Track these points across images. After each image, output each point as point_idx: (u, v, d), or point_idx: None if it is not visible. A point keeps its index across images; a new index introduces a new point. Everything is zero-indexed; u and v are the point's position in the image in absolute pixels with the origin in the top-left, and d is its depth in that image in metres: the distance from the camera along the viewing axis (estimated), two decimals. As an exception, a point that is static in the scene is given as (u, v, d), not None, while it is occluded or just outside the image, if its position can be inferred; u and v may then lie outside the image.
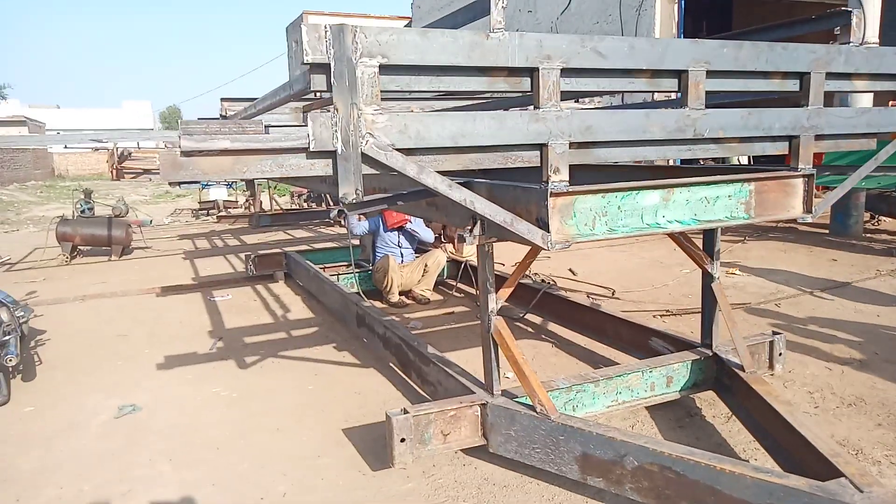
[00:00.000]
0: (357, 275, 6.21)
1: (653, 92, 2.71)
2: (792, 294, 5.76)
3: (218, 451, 3.28)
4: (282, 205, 15.50)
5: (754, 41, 2.66)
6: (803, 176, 2.80)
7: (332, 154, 2.06)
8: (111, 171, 11.28)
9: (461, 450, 3.07)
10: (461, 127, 2.18)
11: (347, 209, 2.40)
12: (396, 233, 5.97)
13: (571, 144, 2.34)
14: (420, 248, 6.38)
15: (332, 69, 1.97)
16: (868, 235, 8.30)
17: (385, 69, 2.06)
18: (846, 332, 4.64)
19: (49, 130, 41.89)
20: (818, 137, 2.83)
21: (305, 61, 1.96)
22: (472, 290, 6.20)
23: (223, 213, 15.68)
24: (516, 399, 2.96)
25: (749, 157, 9.65)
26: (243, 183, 15.08)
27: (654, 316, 5.24)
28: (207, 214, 17.25)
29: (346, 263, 6.82)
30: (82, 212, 9.85)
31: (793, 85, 2.78)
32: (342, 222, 12.47)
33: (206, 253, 10.02)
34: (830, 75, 2.77)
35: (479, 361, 3.92)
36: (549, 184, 2.31)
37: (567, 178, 2.34)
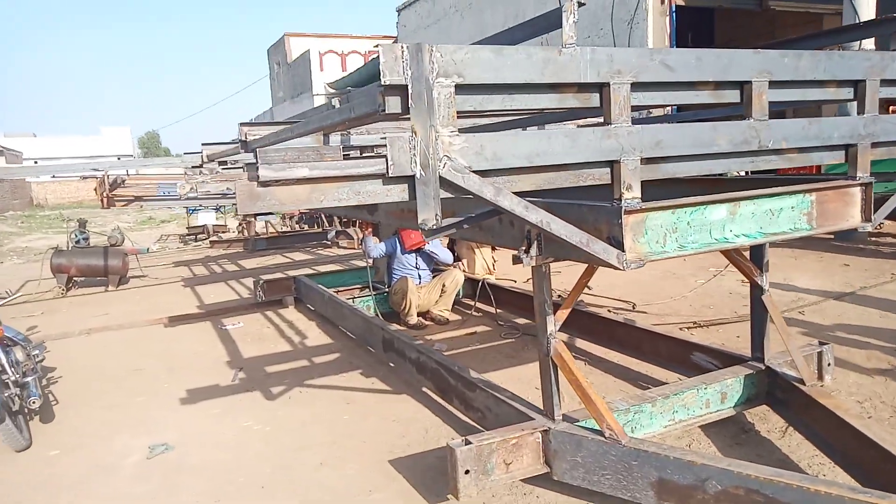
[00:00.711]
0: (374, 297, 6.09)
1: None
2: (813, 301, 5.74)
3: (263, 489, 3.14)
4: (275, 227, 15.32)
5: (812, 51, 2.63)
6: (861, 184, 2.76)
7: (409, 179, 1.97)
8: (101, 199, 11.01)
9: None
10: (536, 146, 2.11)
11: (426, 236, 2.30)
12: (414, 254, 5.87)
13: (640, 160, 2.28)
14: (435, 268, 6.29)
15: (410, 90, 1.88)
16: (873, 239, 8.34)
17: (460, 89, 1.98)
18: (878, 339, 4.60)
19: (26, 160, 41.25)
20: (874, 145, 2.80)
21: (383, 83, 1.86)
22: (491, 309, 6.11)
23: (215, 238, 15.47)
24: (579, 424, 2.86)
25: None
26: (235, 207, 14.91)
27: (680, 329, 5.17)
28: (196, 240, 17.05)
29: (359, 286, 6.70)
30: (77, 242, 9.64)
31: (847, 93, 2.75)
32: (339, 243, 12.37)
33: (205, 279, 9.84)
34: (885, 82, 2.74)
35: (513, 383, 3.85)
36: (623, 201, 2.24)
37: (639, 195, 2.27)
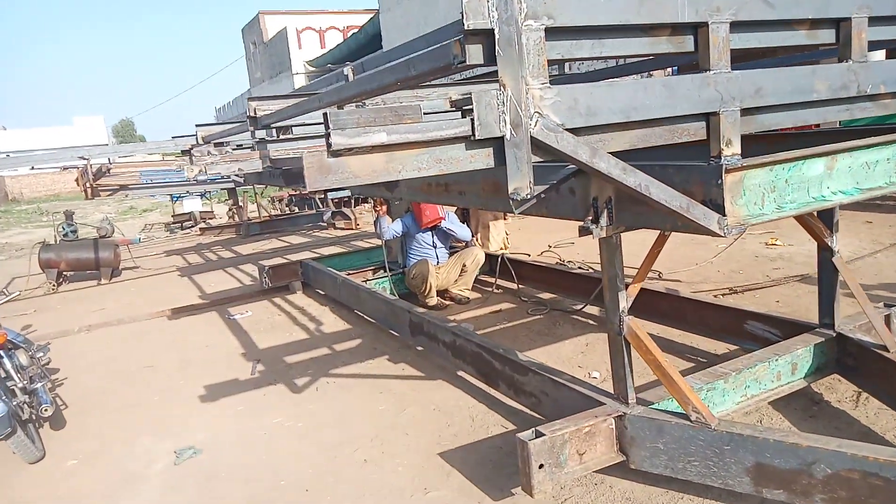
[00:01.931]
0: (389, 279, 5.81)
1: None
2: (846, 259, 5.54)
3: (308, 493, 2.89)
4: (268, 211, 14.92)
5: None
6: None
7: (495, 141, 1.69)
8: (84, 190, 10.57)
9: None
10: (632, 98, 1.84)
11: (515, 208, 2.02)
12: (430, 232, 5.58)
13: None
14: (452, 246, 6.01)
15: (497, 35, 1.60)
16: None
17: (549, 33, 1.70)
18: (926, 296, 4.43)
19: (-1, 153, 40.08)
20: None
21: (465, 27, 1.57)
22: (511, 285, 5.86)
23: (204, 225, 15.04)
24: (655, 407, 2.63)
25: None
26: (225, 192, 14.47)
27: (715, 296, 4.96)
28: (182, 228, 16.61)
29: (371, 268, 6.41)
30: (65, 235, 9.23)
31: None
32: (335, 225, 12.03)
33: (201, 268, 9.49)
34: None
35: (552, 363, 3.61)
36: (722, 158, 1.98)
37: (739, 151, 2.01)
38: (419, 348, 4.56)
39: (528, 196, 1.69)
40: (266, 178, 4.24)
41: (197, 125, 6.30)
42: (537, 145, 1.72)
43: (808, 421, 3.03)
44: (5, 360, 3.53)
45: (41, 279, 8.92)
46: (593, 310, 4.97)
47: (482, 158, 1.71)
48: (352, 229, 11.42)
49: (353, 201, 12.25)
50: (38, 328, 6.51)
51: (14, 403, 3.38)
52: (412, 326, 4.46)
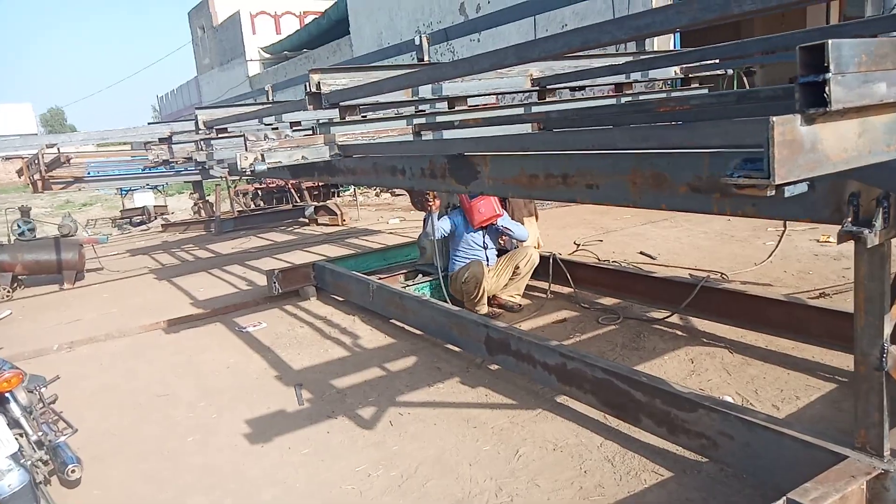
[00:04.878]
0: (430, 283, 5.14)
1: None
2: None
3: (452, 578, 2.23)
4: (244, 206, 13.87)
5: None
6: None
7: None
8: (33, 183, 9.41)
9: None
10: None
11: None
12: (482, 231, 4.92)
13: None
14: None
15: None
16: None
17: None
18: None
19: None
20: None
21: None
22: (560, 289, 5.27)
23: (165, 221, 13.89)
24: (917, 460, 2.08)
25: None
26: (191, 185, 13.34)
27: (808, 300, 4.50)
28: (132, 224, 15.40)
29: (403, 271, 5.70)
30: (21, 234, 8.14)
31: None
32: (317, 220, 11.20)
33: (180, 270, 8.54)
34: None
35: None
36: None
37: None
38: (492, 367, 3.93)
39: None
40: (322, 170, 3.49)
41: (196, 108, 5.46)
42: None
43: None
44: (13, 406, 2.72)
45: (-12, 285, 7.82)
46: (674, 318, 4.43)
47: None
48: (338, 225, 10.62)
49: (335, 194, 11.46)
50: (5, 346, 5.54)
51: (28, 463, 2.57)
52: (490, 343, 3.80)
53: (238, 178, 11.71)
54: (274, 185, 14.19)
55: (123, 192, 16.32)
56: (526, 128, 3.73)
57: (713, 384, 3.47)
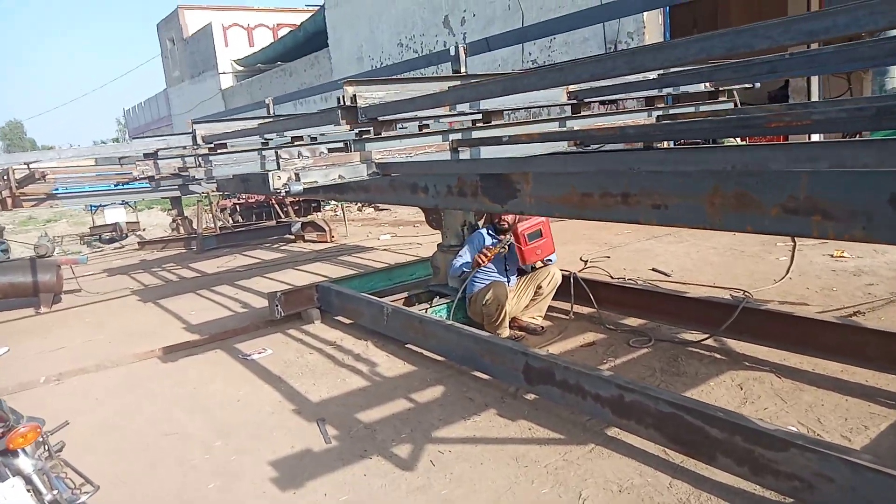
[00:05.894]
0: (447, 306, 4.89)
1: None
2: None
3: None
4: (226, 222, 13.44)
5: None
6: None
7: None
8: (3, 200, 8.93)
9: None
10: None
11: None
12: (503, 256, 4.70)
13: None
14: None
15: None
16: None
17: None
18: None
19: None
20: None
21: None
22: (583, 310, 5.07)
23: (140, 239, 13.38)
24: None
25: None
26: (168, 202, 12.89)
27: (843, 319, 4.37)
28: (102, 241, 14.86)
29: (415, 291, 5.43)
30: (-7, 255, 7.67)
31: None
32: (304, 237, 10.86)
33: (165, 291, 8.13)
34: None
35: None
36: None
37: None
38: (528, 396, 3.70)
39: None
40: (352, 191, 3.24)
41: (194, 121, 5.18)
42: None
43: None
44: (22, 461, 2.39)
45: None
46: (709, 341, 4.25)
47: None
48: (327, 242, 10.30)
49: (317, 209, 11.14)
50: (-16, 378, 5.12)
51: (43, 530, 2.25)
52: (530, 372, 3.57)
53: (220, 193, 11.33)
54: (254, 199, 13.82)
55: (93, 209, 15.78)
56: (560, 145, 3.55)
57: (770, 412, 3.29)
